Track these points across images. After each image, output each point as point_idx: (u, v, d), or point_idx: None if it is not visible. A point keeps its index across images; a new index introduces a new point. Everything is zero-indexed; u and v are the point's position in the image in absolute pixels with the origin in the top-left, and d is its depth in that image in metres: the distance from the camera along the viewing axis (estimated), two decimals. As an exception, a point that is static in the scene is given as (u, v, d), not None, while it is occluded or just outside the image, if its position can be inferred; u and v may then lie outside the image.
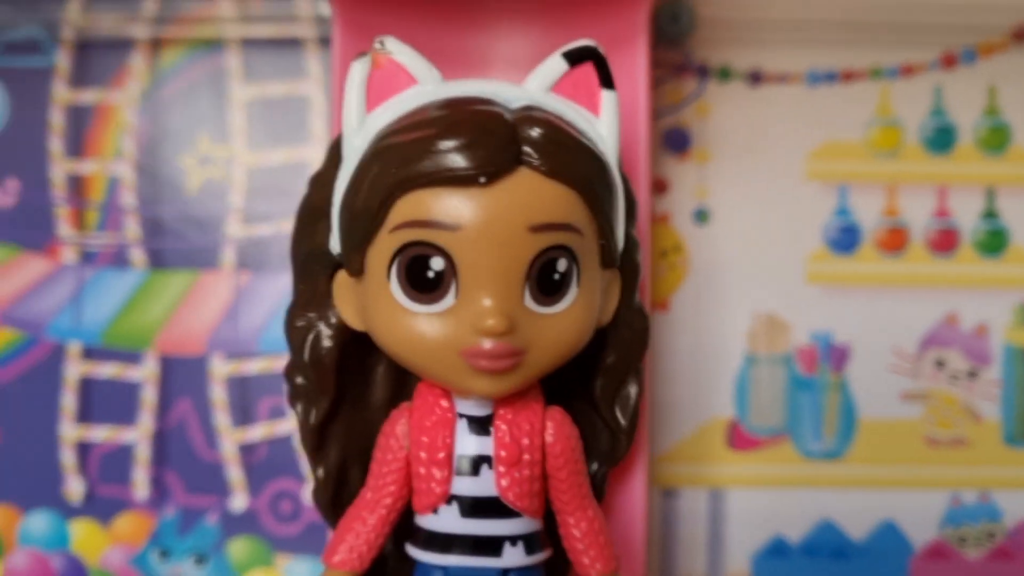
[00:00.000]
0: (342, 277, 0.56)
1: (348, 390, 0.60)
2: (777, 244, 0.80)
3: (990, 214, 0.80)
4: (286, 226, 0.79)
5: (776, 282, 0.80)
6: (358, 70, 0.55)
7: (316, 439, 0.60)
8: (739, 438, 0.80)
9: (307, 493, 0.79)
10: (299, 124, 0.81)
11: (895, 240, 0.80)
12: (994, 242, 0.80)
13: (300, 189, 0.78)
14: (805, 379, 0.80)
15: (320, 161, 0.78)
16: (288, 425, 0.80)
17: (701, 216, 0.80)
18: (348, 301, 0.56)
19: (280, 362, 0.78)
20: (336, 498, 0.60)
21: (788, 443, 0.80)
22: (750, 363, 0.80)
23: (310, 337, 0.58)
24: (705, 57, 0.80)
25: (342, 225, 0.55)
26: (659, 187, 0.79)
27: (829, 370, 0.80)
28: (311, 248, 0.58)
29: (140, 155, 0.81)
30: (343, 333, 0.58)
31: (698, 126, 0.80)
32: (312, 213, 0.58)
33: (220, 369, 0.80)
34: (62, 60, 0.81)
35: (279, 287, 0.80)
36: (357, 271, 0.54)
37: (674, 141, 0.80)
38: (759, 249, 0.80)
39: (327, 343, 0.58)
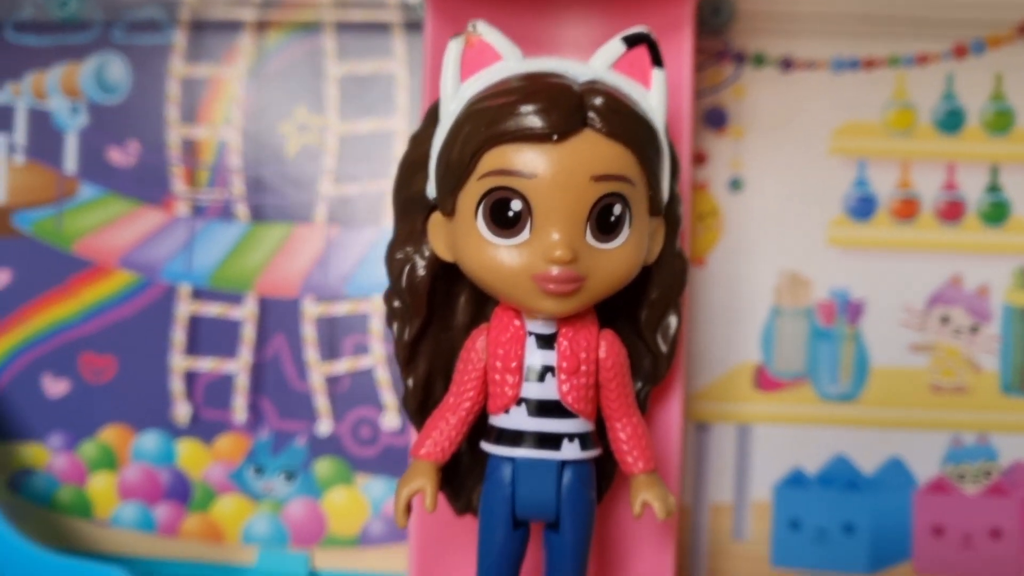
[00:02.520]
0: (436, 217, 0.62)
1: (436, 313, 0.65)
2: (802, 211, 0.82)
3: (993, 188, 0.82)
4: (371, 186, 0.84)
5: (800, 244, 0.82)
6: (454, 47, 0.61)
7: (408, 353, 0.65)
8: (765, 380, 0.83)
9: (384, 420, 0.83)
10: (385, 98, 0.84)
11: (907, 209, 0.82)
12: (996, 213, 0.82)
13: (384, 155, 0.83)
14: (824, 330, 0.82)
15: (404, 130, 0.82)
16: (369, 360, 0.84)
17: (735, 185, 0.83)
18: (440, 237, 0.62)
19: (363, 305, 0.84)
20: (423, 404, 0.66)
21: (808, 386, 0.83)
22: (775, 315, 0.83)
23: (407, 268, 0.64)
24: (742, 45, 0.83)
25: (438, 174, 0.60)
26: (699, 159, 0.82)
27: (845, 322, 0.82)
28: (410, 194, 0.64)
29: (246, 123, 0.85)
30: (434, 264, 0.63)
31: (734, 106, 0.83)
32: (411, 165, 0.64)
33: (311, 310, 0.84)
34: (179, 39, 0.85)
35: (364, 239, 0.84)
36: (450, 212, 0.60)
37: (713, 118, 0.83)
38: (786, 215, 0.82)
39: (421, 272, 0.64)
